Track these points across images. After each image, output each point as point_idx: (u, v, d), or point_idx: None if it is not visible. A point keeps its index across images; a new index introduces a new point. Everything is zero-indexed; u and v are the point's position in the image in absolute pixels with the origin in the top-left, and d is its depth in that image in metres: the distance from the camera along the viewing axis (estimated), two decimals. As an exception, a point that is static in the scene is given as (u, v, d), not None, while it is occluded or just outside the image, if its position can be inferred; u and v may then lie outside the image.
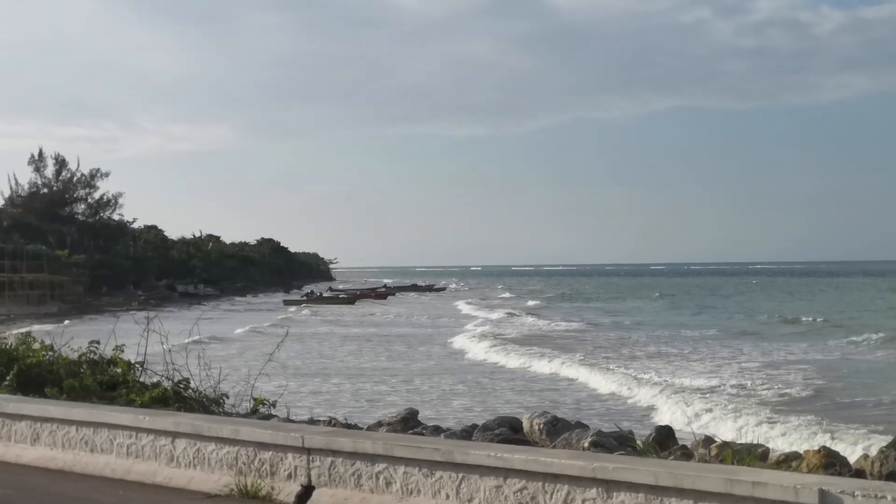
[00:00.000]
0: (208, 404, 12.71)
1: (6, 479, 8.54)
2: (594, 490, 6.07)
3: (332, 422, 11.30)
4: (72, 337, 14.02)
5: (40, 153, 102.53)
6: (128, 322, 13.49)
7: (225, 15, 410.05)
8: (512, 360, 33.71)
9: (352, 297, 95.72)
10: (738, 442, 10.77)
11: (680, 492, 5.72)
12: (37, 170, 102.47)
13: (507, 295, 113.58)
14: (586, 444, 8.68)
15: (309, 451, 7.52)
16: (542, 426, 9.47)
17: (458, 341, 42.17)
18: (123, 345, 13.49)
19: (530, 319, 59.38)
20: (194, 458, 8.29)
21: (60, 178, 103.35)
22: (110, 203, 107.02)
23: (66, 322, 50.28)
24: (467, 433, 12.78)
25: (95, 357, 13.31)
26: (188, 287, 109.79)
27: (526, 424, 9.87)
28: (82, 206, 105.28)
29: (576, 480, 6.14)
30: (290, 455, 7.65)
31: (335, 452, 7.36)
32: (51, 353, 13.53)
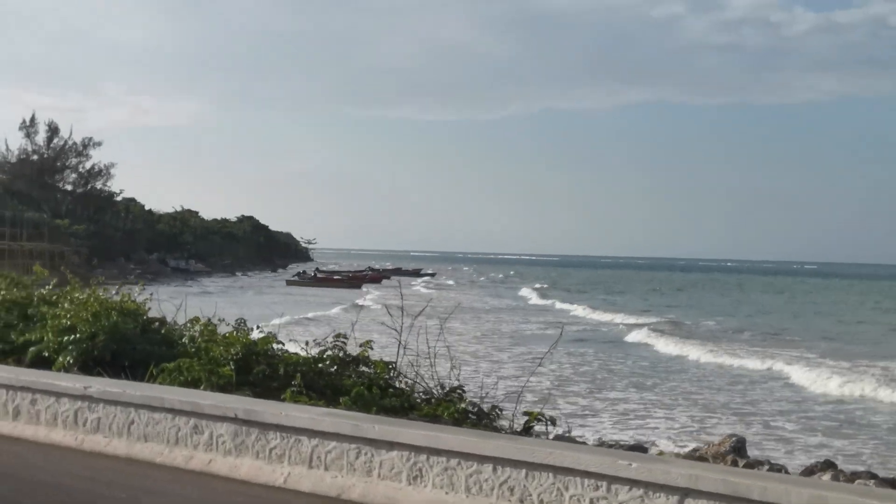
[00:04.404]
0: (482, 418, 10.40)
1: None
2: None
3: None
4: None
5: (32, 119, 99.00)
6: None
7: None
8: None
9: (356, 281, 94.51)
10: None
11: None
12: (27, 136, 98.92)
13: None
14: None
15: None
16: None
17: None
18: (372, 340, 11.08)
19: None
20: (720, 527, 5.94)
21: (52, 145, 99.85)
22: (102, 173, 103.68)
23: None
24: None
25: (342, 354, 10.92)
26: (179, 262, 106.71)
27: None
28: (73, 175, 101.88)
29: None
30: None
31: None
32: (275, 344, 11.11)
